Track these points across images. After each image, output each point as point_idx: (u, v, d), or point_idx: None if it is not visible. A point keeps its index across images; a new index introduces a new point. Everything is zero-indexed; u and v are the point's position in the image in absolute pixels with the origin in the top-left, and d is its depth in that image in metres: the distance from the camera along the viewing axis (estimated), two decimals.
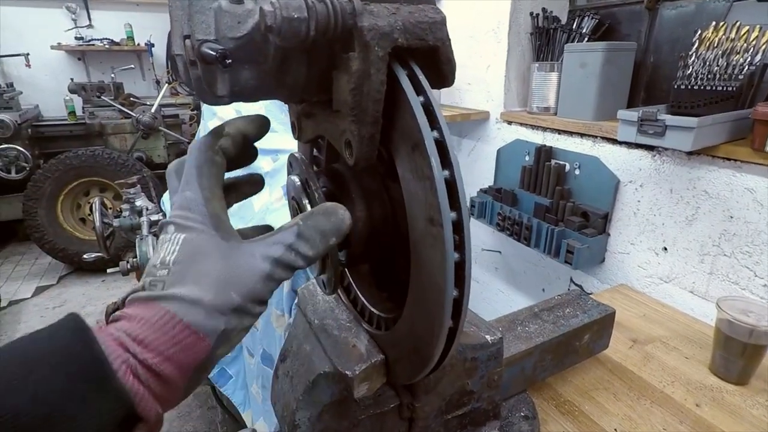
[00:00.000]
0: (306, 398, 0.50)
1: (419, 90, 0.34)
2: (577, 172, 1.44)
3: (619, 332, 0.96)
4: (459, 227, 0.34)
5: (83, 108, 3.53)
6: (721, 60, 1.05)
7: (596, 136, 1.38)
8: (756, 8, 1.14)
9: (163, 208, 1.94)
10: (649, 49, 1.45)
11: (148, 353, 0.27)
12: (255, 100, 0.37)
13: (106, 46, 4.15)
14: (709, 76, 1.06)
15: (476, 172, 1.91)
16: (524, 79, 1.72)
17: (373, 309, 0.50)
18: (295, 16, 0.31)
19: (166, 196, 1.87)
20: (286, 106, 0.49)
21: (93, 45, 4.14)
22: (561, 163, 1.49)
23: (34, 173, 3.10)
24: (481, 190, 1.79)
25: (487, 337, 0.54)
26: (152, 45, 4.29)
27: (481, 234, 1.93)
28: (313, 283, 0.60)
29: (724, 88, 1.04)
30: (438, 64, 0.37)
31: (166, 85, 3.90)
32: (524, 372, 0.73)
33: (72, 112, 3.58)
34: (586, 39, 1.48)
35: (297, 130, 0.49)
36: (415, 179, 0.35)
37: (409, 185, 0.36)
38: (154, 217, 1.93)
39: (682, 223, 1.20)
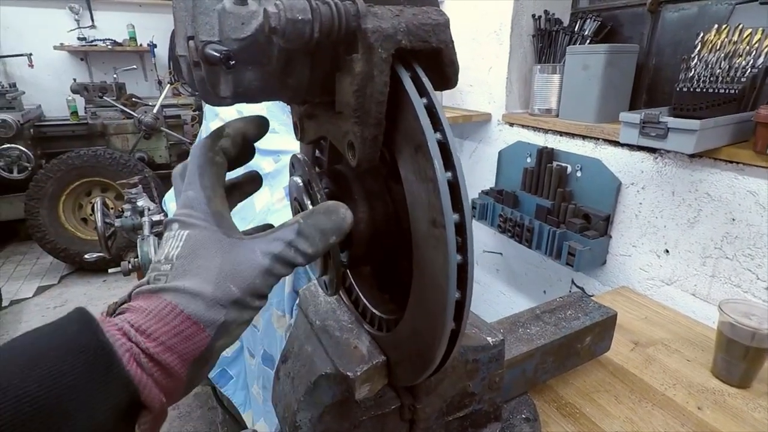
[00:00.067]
0: (307, 399, 0.50)
1: (422, 92, 0.34)
2: (578, 174, 1.44)
3: (621, 335, 0.95)
4: (461, 229, 0.34)
5: (85, 108, 3.54)
6: (723, 63, 1.05)
7: (598, 138, 1.38)
8: (758, 11, 1.14)
9: (164, 208, 1.94)
10: (652, 52, 1.45)
11: (150, 342, 0.28)
12: (258, 101, 0.37)
13: (109, 47, 4.17)
14: (712, 78, 1.06)
15: (478, 173, 1.91)
16: (526, 81, 1.72)
17: (374, 310, 0.49)
18: (299, 17, 0.31)
19: (167, 197, 1.87)
20: (288, 106, 0.49)
21: (95, 45, 4.15)
22: (563, 165, 1.49)
23: (36, 173, 3.11)
24: (482, 191, 1.78)
25: (489, 338, 0.54)
26: (155, 46, 4.31)
27: (482, 236, 1.92)
28: (314, 284, 0.60)
29: (727, 91, 1.04)
30: (441, 66, 0.37)
31: (168, 85, 3.92)
32: (525, 374, 0.73)
33: (74, 113, 3.59)
34: (588, 41, 1.49)
35: (299, 131, 0.49)
36: (417, 181, 0.35)
37: (412, 187, 0.36)
38: (156, 218, 1.93)
39: (684, 226, 1.19)
